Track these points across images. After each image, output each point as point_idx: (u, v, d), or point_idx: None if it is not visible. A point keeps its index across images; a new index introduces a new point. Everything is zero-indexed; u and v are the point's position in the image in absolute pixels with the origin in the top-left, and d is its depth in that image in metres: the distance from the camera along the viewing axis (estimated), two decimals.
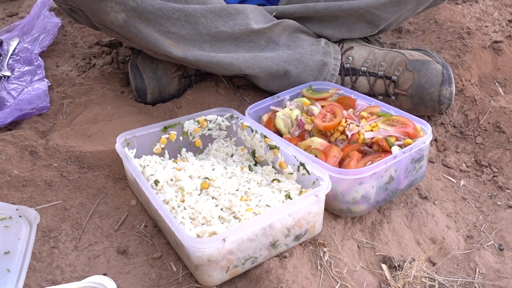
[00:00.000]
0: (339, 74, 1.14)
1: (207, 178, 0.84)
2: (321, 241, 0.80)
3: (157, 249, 0.80)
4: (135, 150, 0.92)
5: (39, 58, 1.32)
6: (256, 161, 0.95)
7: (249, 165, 0.93)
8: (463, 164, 1.04)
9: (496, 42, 1.32)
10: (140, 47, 1.09)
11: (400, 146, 0.86)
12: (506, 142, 1.06)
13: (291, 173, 0.86)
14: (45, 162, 0.97)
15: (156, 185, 0.83)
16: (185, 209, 0.75)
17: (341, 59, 1.14)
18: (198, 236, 0.71)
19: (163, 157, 0.95)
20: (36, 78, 1.25)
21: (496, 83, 1.26)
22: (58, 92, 1.23)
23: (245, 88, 1.23)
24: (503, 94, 1.22)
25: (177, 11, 1.01)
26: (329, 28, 1.15)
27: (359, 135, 0.89)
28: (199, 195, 0.81)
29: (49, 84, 1.24)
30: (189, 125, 0.97)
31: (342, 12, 1.10)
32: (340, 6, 1.09)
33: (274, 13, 1.15)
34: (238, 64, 1.08)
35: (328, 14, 1.12)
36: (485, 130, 1.09)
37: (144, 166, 0.90)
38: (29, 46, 1.38)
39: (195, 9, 1.02)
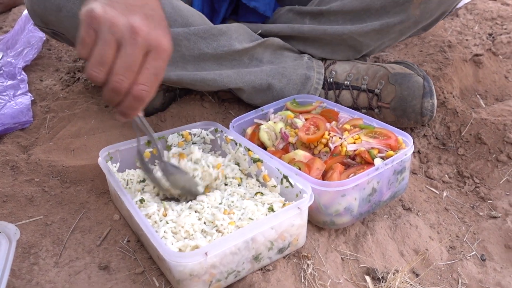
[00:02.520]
0: (323, 88, 1.15)
1: None
2: (305, 254, 0.80)
3: (139, 264, 0.79)
4: (118, 164, 0.92)
5: (23, 73, 1.32)
6: None
7: None
8: (446, 176, 1.05)
9: (476, 55, 1.34)
10: None
11: (382, 158, 0.87)
12: (487, 153, 1.07)
13: (275, 186, 0.86)
14: (26, 177, 0.96)
15: (141, 202, 0.82)
16: (167, 223, 0.75)
17: (324, 73, 1.15)
18: (180, 250, 0.70)
19: None
20: (19, 92, 1.24)
21: (477, 95, 1.28)
22: (41, 107, 1.22)
23: (230, 101, 1.23)
24: (484, 106, 1.23)
25: None
26: (312, 47, 1.17)
27: (341, 148, 0.90)
28: (181, 209, 0.81)
29: (32, 98, 1.23)
30: (173, 138, 0.97)
31: (326, 36, 1.12)
32: (325, 30, 1.12)
33: (260, 31, 1.16)
34: (221, 79, 1.09)
35: (313, 36, 1.14)
36: (467, 141, 1.11)
37: (127, 181, 0.89)
38: (13, 60, 1.38)
39: (177, 32, 1.03)
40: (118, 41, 0.63)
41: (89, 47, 0.63)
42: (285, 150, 0.97)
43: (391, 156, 0.86)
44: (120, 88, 0.63)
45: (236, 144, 0.94)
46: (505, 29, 1.52)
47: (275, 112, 1.07)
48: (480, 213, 0.95)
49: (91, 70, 0.63)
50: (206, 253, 0.66)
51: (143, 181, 0.90)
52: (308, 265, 0.78)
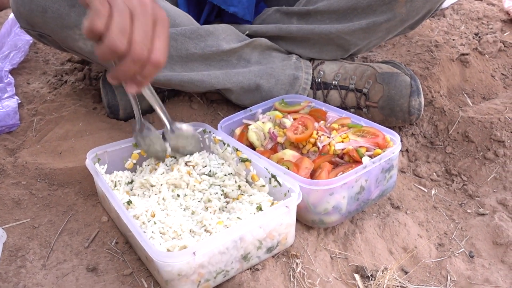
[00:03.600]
0: (311, 88, 1.15)
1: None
2: (294, 253, 0.80)
3: (128, 266, 0.79)
4: (106, 165, 0.91)
5: (10, 76, 1.30)
6: None
7: None
8: (434, 174, 1.05)
9: (463, 54, 1.35)
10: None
11: (370, 156, 0.87)
12: (475, 151, 1.08)
13: (263, 186, 0.86)
14: (13, 180, 0.95)
15: (129, 204, 0.82)
16: (155, 223, 0.74)
17: (312, 74, 1.15)
18: (168, 250, 0.70)
19: (135, 172, 0.94)
20: (5, 95, 1.23)
21: (464, 94, 1.29)
22: (28, 110, 1.21)
23: (218, 102, 1.23)
24: (471, 104, 1.24)
25: None
26: (300, 47, 1.17)
27: (330, 147, 0.90)
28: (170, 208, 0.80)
29: (19, 101, 1.22)
30: None
31: (314, 35, 1.13)
32: (312, 29, 1.12)
33: (247, 32, 1.17)
34: (209, 80, 1.09)
35: (301, 36, 1.14)
36: (455, 140, 1.11)
37: (115, 182, 0.89)
38: None
39: None
40: (131, 12, 0.66)
41: (105, 19, 0.64)
42: (274, 150, 0.97)
43: (379, 154, 0.86)
44: (141, 56, 0.67)
45: (224, 144, 0.94)
46: (491, 28, 1.54)
47: (264, 112, 1.07)
48: (468, 211, 0.96)
49: (115, 40, 0.64)
50: (194, 253, 0.65)
51: (131, 182, 0.90)
52: (297, 264, 0.78)
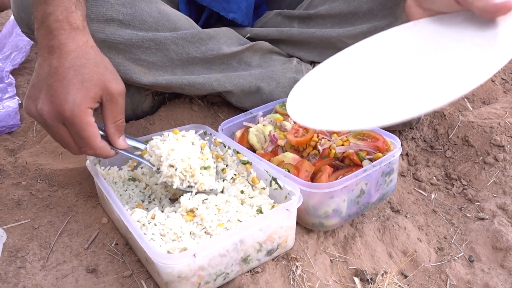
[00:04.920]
0: None
1: None
2: (294, 256, 0.80)
3: (127, 267, 0.79)
4: (107, 167, 0.91)
5: (10, 76, 1.31)
6: None
7: None
8: (434, 178, 1.05)
9: None
10: None
11: (370, 160, 0.87)
12: (475, 156, 1.08)
13: (264, 188, 0.86)
14: (13, 181, 0.95)
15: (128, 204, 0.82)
16: (155, 225, 0.74)
17: None
18: (168, 252, 0.70)
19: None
20: (6, 96, 1.23)
21: (465, 99, 1.29)
22: None
23: (219, 105, 1.23)
24: (471, 109, 1.25)
25: (148, 40, 1.01)
26: (301, 50, 1.17)
27: (330, 150, 0.90)
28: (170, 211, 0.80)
29: (20, 102, 1.22)
30: None
31: (315, 39, 1.13)
32: (313, 33, 1.12)
33: (248, 35, 1.17)
34: (210, 83, 1.09)
35: (302, 39, 1.14)
36: (455, 144, 1.12)
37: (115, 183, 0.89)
38: (0, 64, 1.36)
39: (165, 36, 1.03)
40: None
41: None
42: (274, 152, 0.97)
43: (379, 158, 0.86)
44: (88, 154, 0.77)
45: (225, 146, 0.94)
46: None
47: (264, 115, 1.07)
48: (468, 215, 0.96)
49: None
50: (194, 255, 0.65)
51: (134, 180, 0.90)
52: (297, 267, 0.78)
